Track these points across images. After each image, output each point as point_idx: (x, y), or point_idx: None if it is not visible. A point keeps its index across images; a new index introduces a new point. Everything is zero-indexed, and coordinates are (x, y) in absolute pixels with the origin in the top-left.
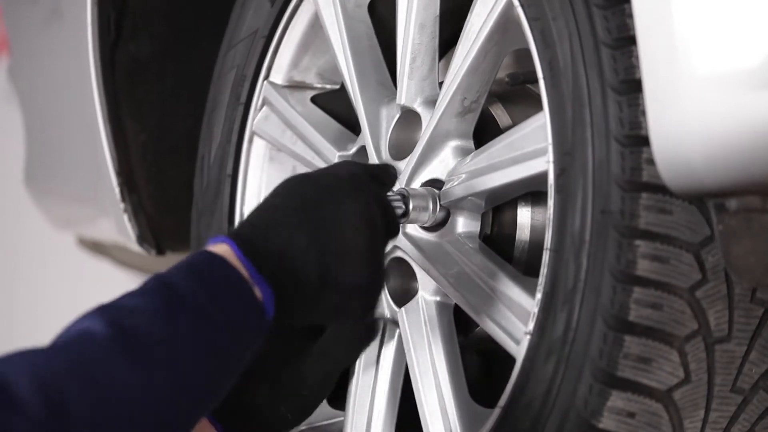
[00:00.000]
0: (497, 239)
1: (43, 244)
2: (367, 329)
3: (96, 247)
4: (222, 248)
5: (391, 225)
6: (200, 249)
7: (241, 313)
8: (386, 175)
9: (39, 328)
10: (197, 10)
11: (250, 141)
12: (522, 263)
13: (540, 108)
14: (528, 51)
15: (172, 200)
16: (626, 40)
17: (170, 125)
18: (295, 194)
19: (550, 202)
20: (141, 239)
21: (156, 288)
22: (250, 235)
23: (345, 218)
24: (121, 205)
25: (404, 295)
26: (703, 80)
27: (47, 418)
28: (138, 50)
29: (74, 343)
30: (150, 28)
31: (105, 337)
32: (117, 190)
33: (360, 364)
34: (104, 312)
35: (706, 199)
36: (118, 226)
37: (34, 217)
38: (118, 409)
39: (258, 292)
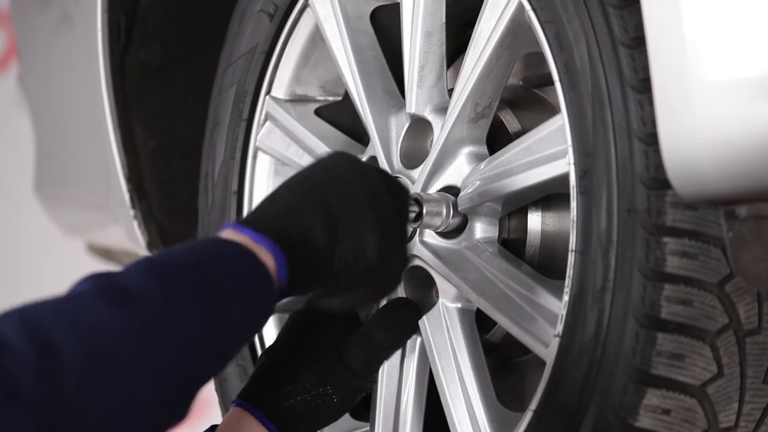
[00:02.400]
0: (509, 243)
1: (47, 247)
2: (407, 314)
3: (106, 254)
4: (225, 231)
5: (400, 203)
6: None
7: (244, 275)
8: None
9: None
10: (207, 17)
11: (255, 157)
12: (533, 265)
13: (549, 112)
14: (537, 54)
15: (181, 207)
16: (644, 39)
17: (180, 131)
18: (294, 178)
19: (574, 203)
20: (151, 246)
21: (153, 256)
22: (253, 215)
23: (350, 190)
24: (131, 212)
25: (425, 304)
26: (712, 87)
27: (37, 357)
28: (148, 57)
29: (63, 297)
30: (160, 34)
31: (93, 290)
32: (127, 196)
33: (383, 373)
34: (95, 275)
35: (716, 206)
36: (128, 233)
37: (39, 221)
38: (107, 351)
39: (267, 258)
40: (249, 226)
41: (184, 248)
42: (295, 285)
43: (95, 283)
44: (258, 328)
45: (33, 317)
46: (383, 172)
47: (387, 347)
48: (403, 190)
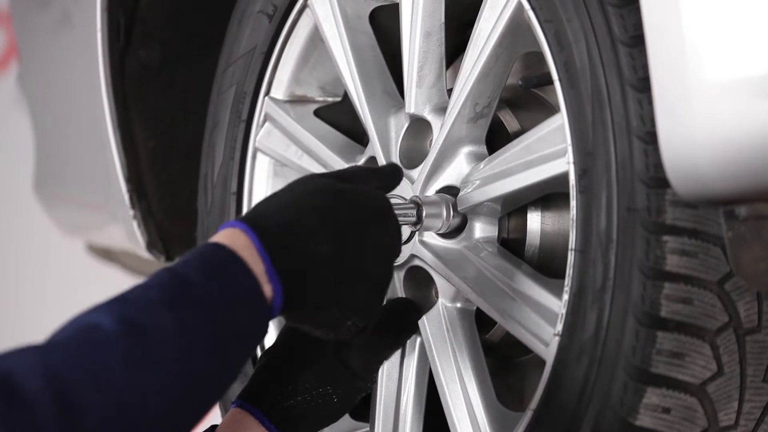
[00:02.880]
0: (508, 242)
1: (47, 247)
2: (407, 314)
3: (105, 254)
4: (238, 237)
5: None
6: (214, 237)
7: (250, 314)
8: (398, 174)
9: (43, 332)
10: (207, 17)
11: (254, 158)
12: (533, 265)
13: (548, 111)
14: (536, 54)
15: (181, 207)
16: (643, 38)
17: (179, 132)
18: (317, 198)
19: (573, 202)
20: (150, 246)
21: (169, 282)
22: (270, 229)
23: (370, 244)
24: (131, 212)
25: (424, 304)
26: (712, 86)
27: (58, 416)
28: (147, 57)
29: (83, 339)
30: (159, 34)
31: (115, 335)
32: (126, 196)
33: (383, 373)
34: (113, 306)
35: (715, 205)
36: (128, 233)
37: (39, 220)
38: (128, 408)
39: (268, 291)
40: (267, 251)
41: (198, 271)
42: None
43: (113, 320)
44: (247, 357)
45: (54, 368)
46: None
47: (387, 347)
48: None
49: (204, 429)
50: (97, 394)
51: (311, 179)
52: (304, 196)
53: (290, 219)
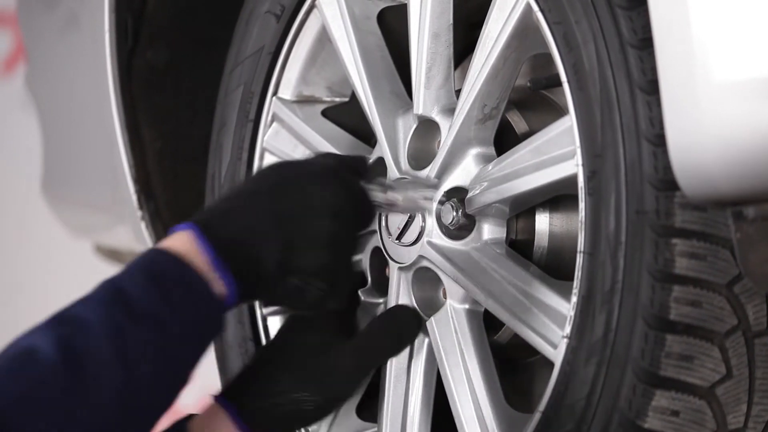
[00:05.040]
0: (517, 244)
1: (54, 248)
2: (407, 323)
3: (113, 255)
4: (182, 238)
5: (365, 214)
6: (158, 243)
7: (199, 316)
8: (362, 164)
9: None
10: (214, 18)
11: (261, 158)
12: (541, 267)
13: (557, 113)
14: (545, 55)
15: (188, 207)
16: (652, 40)
17: (187, 132)
18: (260, 181)
19: (582, 204)
20: None
21: (109, 299)
22: (212, 221)
23: (310, 205)
24: (138, 213)
25: (432, 305)
26: (720, 88)
27: None
28: (155, 58)
29: (20, 365)
30: (167, 35)
31: (51, 364)
32: (134, 197)
33: (391, 375)
34: (50, 329)
35: (723, 207)
36: (135, 234)
37: (47, 221)
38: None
39: (218, 285)
40: (211, 244)
41: (138, 283)
42: (241, 301)
43: (50, 345)
44: (199, 359)
45: None
46: (349, 180)
47: (380, 356)
48: (367, 200)
49: (181, 417)
50: (33, 427)
51: (262, 167)
52: (244, 182)
53: (229, 207)
